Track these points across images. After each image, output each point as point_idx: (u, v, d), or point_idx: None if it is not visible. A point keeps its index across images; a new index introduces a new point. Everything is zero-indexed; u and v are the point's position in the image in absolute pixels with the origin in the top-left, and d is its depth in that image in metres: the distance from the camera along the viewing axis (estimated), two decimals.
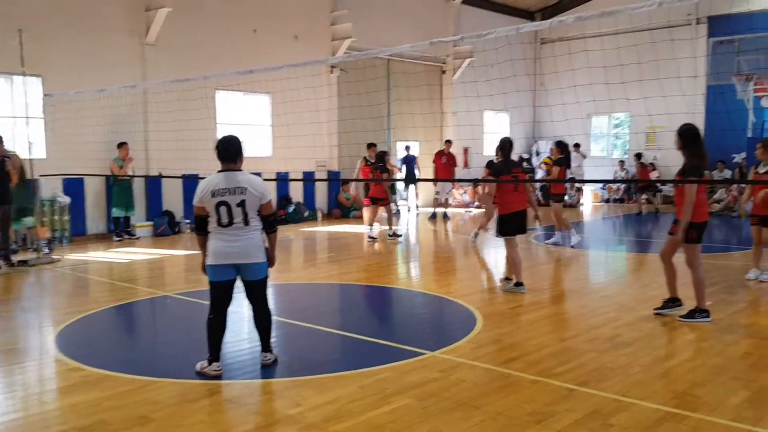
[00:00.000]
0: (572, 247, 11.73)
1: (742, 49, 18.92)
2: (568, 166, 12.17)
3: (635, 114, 20.40)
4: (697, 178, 6.59)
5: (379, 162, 13.57)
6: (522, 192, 8.28)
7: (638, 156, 19.38)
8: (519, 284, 8.16)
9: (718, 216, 17.51)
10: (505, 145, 8.26)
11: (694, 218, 6.58)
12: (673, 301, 7.01)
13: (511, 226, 8.17)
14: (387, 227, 13.67)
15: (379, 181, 13.38)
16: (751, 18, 18.54)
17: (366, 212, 14.07)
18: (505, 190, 8.11)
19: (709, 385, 4.93)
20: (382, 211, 14.63)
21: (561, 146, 12.03)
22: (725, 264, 9.90)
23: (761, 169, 8.61)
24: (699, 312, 6.77)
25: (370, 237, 13.13)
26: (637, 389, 4.84)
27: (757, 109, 18.97)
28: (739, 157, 19.42)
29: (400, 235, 13.48)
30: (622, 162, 21.64)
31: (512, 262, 8.25)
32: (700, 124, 19.28)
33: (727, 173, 19.47)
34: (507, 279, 8.45)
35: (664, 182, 18.80)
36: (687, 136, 6.66)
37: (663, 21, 16.79)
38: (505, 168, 8.25)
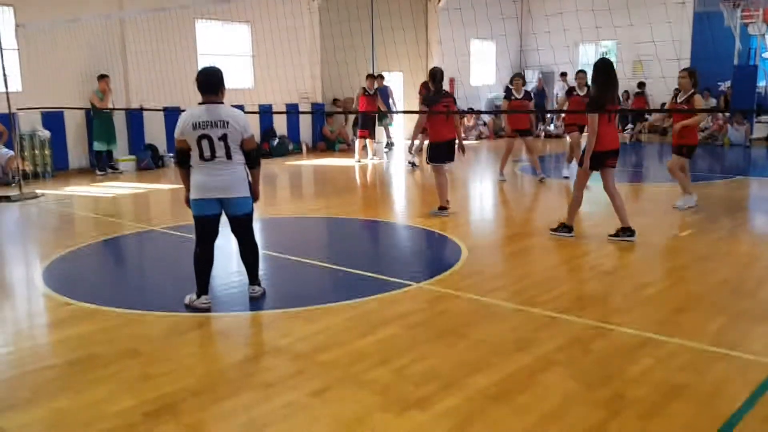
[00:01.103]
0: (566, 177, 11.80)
1: None
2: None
3: (622, 42, 20.17)
4: (598, 112, 6.94)
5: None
6: (452, 122, 8.56)
7: (641, 85, 19.06)
8: (444, 207, 8.64)
9: (701, 145, 17.58)
10: (436, 75, 8.51)
11: (597, 147, 7.00)
12: (625, 231, 7.25)
13: (441, 153, 8.55)
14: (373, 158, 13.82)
15: (422, 112, 13.66)
16: None
17: (364, 144, 14.34)
18: (436, 120, 8.39)
19: (688, 312, 5.05)
20: (373, 142, 14.75)
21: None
22: (708, 192, 10.00)
23: (680, 98, 8.64)
24: (563, 227, 7.41)
25: (410, 163, 13.92)
26: (617, 316, 4.96)
27: (744, 37, 18.79)
28: (724, 86, 19.37)
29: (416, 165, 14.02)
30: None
31: (440, 187, 8.67)
32: (686, 52, 19.23)
33: (713, 102, 19.45)
34: (442, 208, 8.74)
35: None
36: (598, 69, 6.99)
37: None
38: (437, 97, 8.48)
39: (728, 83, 18.90)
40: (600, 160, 7.13)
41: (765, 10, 18.39)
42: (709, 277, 5.95)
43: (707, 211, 8.79)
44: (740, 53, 18.70)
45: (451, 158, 8.68)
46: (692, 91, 8.47)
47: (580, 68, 12.11)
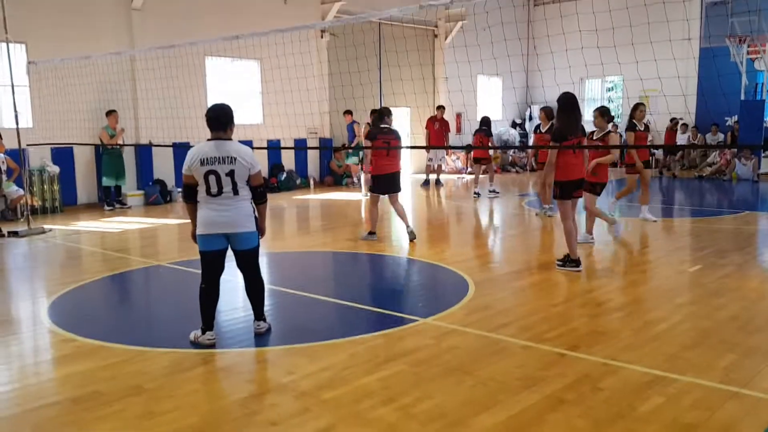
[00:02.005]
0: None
1: (736, 11, 18.77)
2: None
3: (628, 78, 20.28)
4: (559, 142, 7.24)
5: (483, 126, 14.42)
6: (394, 157, 9.23)
7: (673, 120, 18.91)
8: (372, 233, 9.39)
9: (709, 179, 17.58)
10: (375, 114, 9.27)
11: (560, 177, 7.32)
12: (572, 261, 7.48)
13: (382, 185, 9.21)
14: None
15: (478, 148, 14.39)
16: None
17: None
18: (378, 154, 9.04)
19: (697, 349, 4.99)
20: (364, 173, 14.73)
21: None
22: (716, 228, 9.95)
23: (596, 136, 8.83)
24: (569, 261, 7.44)
25: (475, 193, 14.50)
26: (626, 353, 4.89)
27: (750, 72, 18.90)
28: (731, 121, 19.40)
29: (498, 192, 14.41)
30: (615, 126, 21.56)
31: (371, 215, 9.39)
32: (692, 87, 19.31)
33: (720, 136, 19.46)
34: (371, 233, 9.43)
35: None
36: (561, 103, 7.40)
37: None
38: (375, 132, 9.12)
39: (735, 118, 18.94)
40: (568, 189, 7.37)
41: None
42: (718, 313, 5.88)
43: (716, 246, 8.73)
44: (747, 88, 18.79)
45: (395, 189, 9.23)
46: (607, 129, 8.72)
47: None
